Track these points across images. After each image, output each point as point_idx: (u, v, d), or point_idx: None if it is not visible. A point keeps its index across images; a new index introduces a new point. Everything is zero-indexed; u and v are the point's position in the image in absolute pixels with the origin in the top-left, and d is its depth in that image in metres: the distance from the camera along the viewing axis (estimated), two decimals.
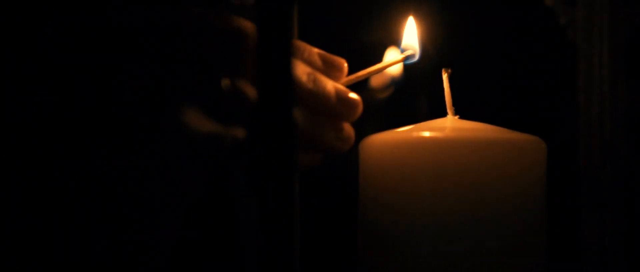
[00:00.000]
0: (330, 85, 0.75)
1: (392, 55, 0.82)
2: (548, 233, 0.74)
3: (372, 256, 0.74)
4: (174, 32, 0.68)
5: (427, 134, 0.73)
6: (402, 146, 0.73)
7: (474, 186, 0.71)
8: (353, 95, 0.76)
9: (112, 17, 0.68)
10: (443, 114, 0.78)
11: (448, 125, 0.76)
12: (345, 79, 0.77)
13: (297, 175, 0.56)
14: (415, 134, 0.74)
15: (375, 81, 0.88)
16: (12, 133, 0.66)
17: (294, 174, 0.55)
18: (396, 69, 0.82)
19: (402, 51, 0.80)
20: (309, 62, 0.74)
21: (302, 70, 0.73)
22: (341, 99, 0.75)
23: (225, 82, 0.68)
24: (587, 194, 0.95)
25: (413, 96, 0.97)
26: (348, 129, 0.76)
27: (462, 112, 0.78)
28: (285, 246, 0.55)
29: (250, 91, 0.69)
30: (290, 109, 0.53)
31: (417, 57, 0.80)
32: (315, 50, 0.75)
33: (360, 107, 0.76)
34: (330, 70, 0.76)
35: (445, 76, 0.78)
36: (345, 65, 0.76)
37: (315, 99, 0.74)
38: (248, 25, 0.70)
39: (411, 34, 0.81)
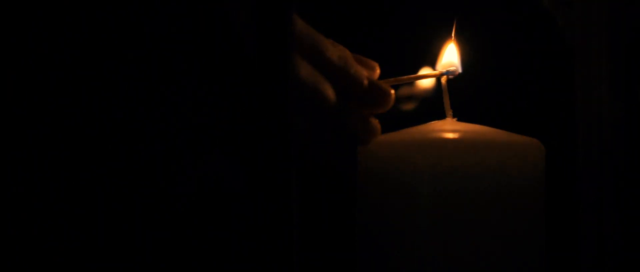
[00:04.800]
0: (361, 70, 0.75)
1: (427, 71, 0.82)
2: (547, 235, 0.74)
3: (371, 257, 0.74)
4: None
5: (426, 136, 0.73)
6: (401, 148, 0.73)
7: (472, 188, 0.71)
8: (385, 85, 0.76)
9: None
10: (442, 116, 0.78)
11: (447, 127, 0.76)
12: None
13: (296, 176, 0.56)
14: (414, 136, 0.74)
15: (404, 91, 0.88)
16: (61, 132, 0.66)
17: (292, 175, 0.55)
18: (428, 84, 0.82)
19: (440, 68, 0.80)
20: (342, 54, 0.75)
21: (332, 51, 0.73)
22: (373, 84, 0.75)
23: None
24: (586, 196, 0.94)
25: (412, 98, 0.97)
26: (375, 121, 0.76)
27: (461, 114, 0.78)
28: (284, 247, 0.55)
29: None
30: (289, 110, 0.53)
31: (458, 72, 0.80)
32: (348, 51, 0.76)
33: (392, 99, 0.76)
34: (363, 67, 0.76)
35: (443, 78, 0.78)
36: (378, 67, 0.77)
37: (346, 79, 0.73)
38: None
39: (452, 54, 0.80)
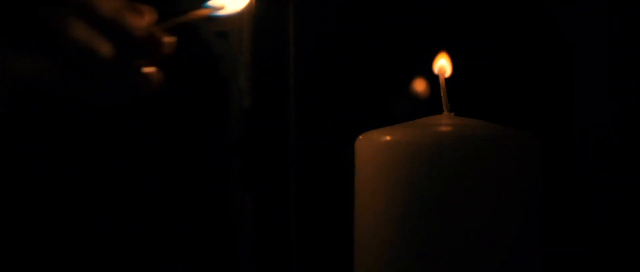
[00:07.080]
0: (135, 18, 0.72)
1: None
2: (544, 229, 0.74)
3: (368, 252, 0.74)
4: None
5: (423, 130, 0.73)
6: (397, 142, 0.73)
7: (469, 182, 0.71)
8: (162, 32, 0.74)
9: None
10: (439, 110, 0.78)
11: (444, 122, 0.76)
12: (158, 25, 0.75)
13: (294, 174, 0.56)
14: (410, 130, 0.74)
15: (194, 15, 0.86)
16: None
17: (290, 173, 0.55)
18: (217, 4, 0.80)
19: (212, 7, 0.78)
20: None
21: (104, 4, 0.72)
22: (148, 33, 0.73)
23: None
24: (583, 190, 0.95)
25: (409, 93, 0.97)
26: (155, 70, 0.74)
27: (458, 109, 0.78)
28: (281, 245, 0.55)
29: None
30: (287, 107, 0.53)
31: (224, 12, 0.78)
32: None
33: (171, 44, 0.74)
34: (137, 15, 0.75)
35: (441, 77, 0.78)
36: (152, 12, 0.74)
37: (121, 31, 0.72)
38: None
39: None
